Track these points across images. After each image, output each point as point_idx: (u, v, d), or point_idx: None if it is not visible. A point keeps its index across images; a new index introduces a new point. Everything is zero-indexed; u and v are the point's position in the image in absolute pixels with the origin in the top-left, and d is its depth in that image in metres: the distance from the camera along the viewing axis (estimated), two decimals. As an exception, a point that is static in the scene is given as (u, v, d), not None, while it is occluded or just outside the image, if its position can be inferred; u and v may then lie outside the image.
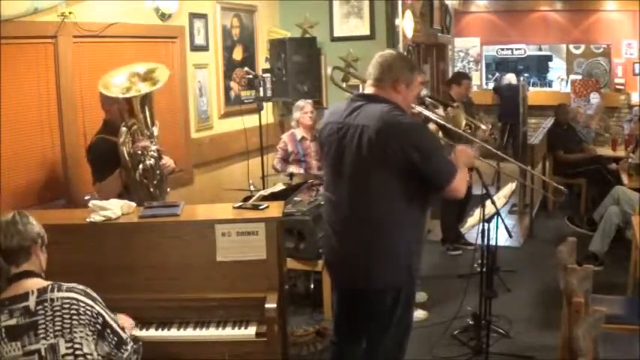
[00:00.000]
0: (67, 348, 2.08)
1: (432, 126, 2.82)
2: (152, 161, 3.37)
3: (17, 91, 3.59)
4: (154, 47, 4.69)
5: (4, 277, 2.18)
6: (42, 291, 2.13)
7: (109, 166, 3.32)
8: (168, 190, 3.61)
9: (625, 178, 5.88)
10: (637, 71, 10.00)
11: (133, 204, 2.98)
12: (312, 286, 4.51)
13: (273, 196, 3.99)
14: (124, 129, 3.28)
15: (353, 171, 2.62)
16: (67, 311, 2.11)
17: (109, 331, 2.19)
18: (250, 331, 2.68)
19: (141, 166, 3.33)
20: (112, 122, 3.40)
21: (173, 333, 2.69)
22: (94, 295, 2.22)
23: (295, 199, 4.41)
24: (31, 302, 2.11)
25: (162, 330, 2.70)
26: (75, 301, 2.13)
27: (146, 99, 3.36)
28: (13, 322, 2.09)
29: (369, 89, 2.73)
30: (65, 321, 2.10)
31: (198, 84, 5.18)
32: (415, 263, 2.69)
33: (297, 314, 4.31)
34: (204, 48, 5.25)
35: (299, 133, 5.25)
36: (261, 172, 5.27)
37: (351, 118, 2.63)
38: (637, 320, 3.08)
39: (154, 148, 3.39)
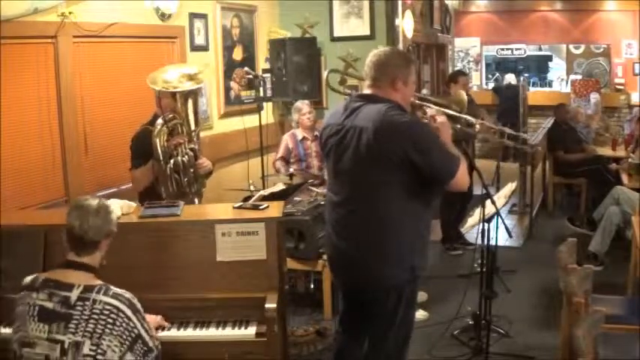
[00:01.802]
0: (90, 350, 2.07)
1: (432, 111, 2.77)
2: (185, 158, 3.39)
3: (17, 91, 3.59)
4: (154, 47, 4.69)
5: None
6: (88, 288, 2.11)
7: (146, 156, 3.37)
8: (203, 190, 3.62)
9: (625, 178, 5.87)
10: (637, 71, 9.99)
11: (133, 204, 2.98)
12: (312, 286, 4.51)
13: (273, 196, 3.99)
14: (160, 121, 3.32)
15: (353, 172, 2.62)
16: (104, 317, 2.09)
17: (140, 343, 2.17)
18: (250, 331, 2.68)
19: (172, 160, 3.36)
20: (159, 115, 3.45)
21: (173, 333, 2.68)
22: (138, 306, 2.19)
23: (295, 199, 4.41)
24: (74, 295, 2.09)
25: (163, 330, 2.69)
26: (115, 310, 2.11)
27: (189, 97, 3.42)
28: (49, 305, 2.08)
29: (367, 90, 2.72)
30: (99, 326, 2.08)
31: (198, 84, 5.18)
32: (418, 262, 2.68)
33: (297, 314, 4.31)
34: (204, 48, 5.25)
35: (299, 133, 5.26)
36: (261, 172, 5.27)
37: (350, 120, 2.63)
38: (637, 320, 3.08)
39: (189, 146, 3.42)
